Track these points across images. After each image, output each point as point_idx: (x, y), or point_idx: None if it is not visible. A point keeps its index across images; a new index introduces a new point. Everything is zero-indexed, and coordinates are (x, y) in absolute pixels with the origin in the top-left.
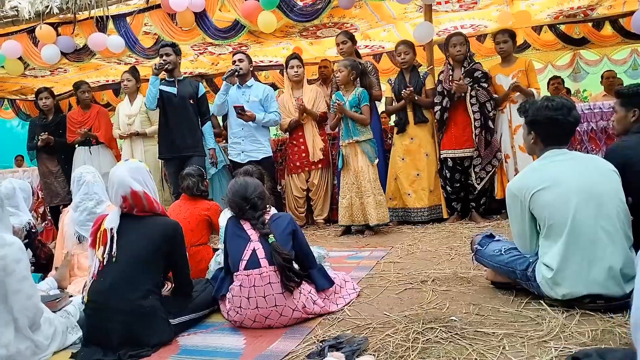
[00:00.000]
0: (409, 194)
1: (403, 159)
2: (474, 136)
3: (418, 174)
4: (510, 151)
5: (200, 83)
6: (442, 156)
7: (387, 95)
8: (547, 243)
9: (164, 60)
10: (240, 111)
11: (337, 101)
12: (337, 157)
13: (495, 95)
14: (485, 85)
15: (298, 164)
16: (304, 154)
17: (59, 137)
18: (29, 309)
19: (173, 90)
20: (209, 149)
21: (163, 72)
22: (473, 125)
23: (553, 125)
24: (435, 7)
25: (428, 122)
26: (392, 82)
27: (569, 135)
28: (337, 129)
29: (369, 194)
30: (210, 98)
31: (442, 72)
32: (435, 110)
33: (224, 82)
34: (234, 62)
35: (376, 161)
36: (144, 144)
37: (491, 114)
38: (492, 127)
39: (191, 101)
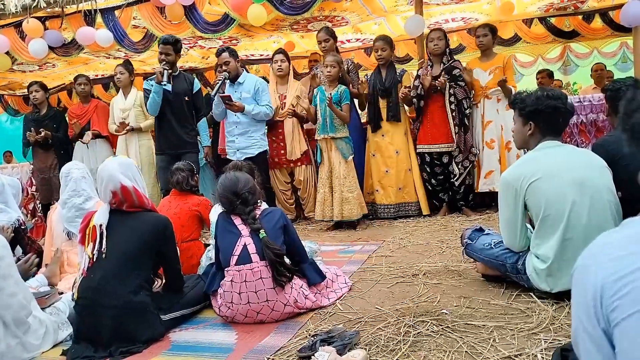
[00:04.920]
0: (377, 190)
1: (374, 155)
2: (454, 134)
3: (387, 171)
4: (480, 146)
5: (195, 78)
6: (417, 151)
7: (364, 91)
8: (541, 234)
9: (163, 68)
10: (227, 101)
11: (327, 96)
12: (316, 152)
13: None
14: (462, 83)
15: (277, 160)
16: (282, 151)
17: (54, 131)
18: (11, 307)
19: (168, 87)
20: (204, 147)
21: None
22: (452, 124)
23: (555, 114)
24: (426, 0)
25: (401, 120)
26: (368, 77)
27: (565, 126)
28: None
29: (336, 190)
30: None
31: (421, 67)
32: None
33: (217, 96)
34: (220, 65)
35: (350, 158)
36: (139, 138)
37: (467, 111)
38: (467, 124)
39: (186, 98)
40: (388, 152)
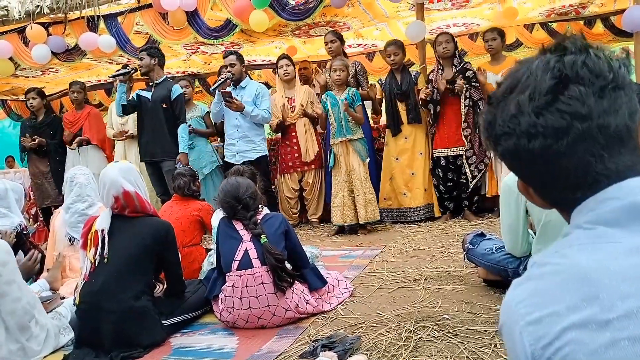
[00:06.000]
0: (404, 194)
1: (397, 159)
2: (463, 137)
3: (413, 173)
4: None
5: (175, 84)
6: (434, 155)
7: (377, 96)
8: (543, 240)
9: (133, 67)
10: (228, 97)
11: (344, 101)
12: (329, 157)
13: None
14: (477, 84)
15: (290, 164)
16: (296, 154)
17: (51, 138)
18: (16, 312)
19: (148, 94)
20: (179, 154)
21: (142, 76)
22: (462, 126)
23: None
24: (427, 6)
25: (422, 121)
26: (382, 82)
27: None
28: (325, 128)
29: (359, 192)
30: (202, 97)
31: (432, 71)
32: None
33: (217, 92)
34: (225, 66)
35: (367, 160)
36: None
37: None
38: None
39: (163, 105)
40: (413, 155)
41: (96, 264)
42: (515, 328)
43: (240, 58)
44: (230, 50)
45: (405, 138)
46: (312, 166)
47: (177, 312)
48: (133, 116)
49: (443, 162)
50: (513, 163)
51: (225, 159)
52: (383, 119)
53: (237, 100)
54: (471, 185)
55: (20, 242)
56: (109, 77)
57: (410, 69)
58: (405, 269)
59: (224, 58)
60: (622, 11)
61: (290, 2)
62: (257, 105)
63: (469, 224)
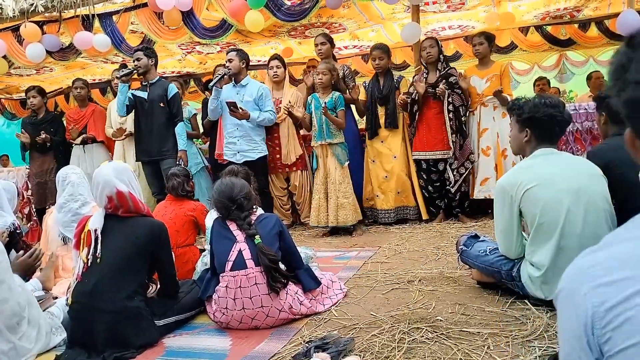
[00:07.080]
0: (377, 195)
1: (374, 161)
2: (450, 142)
3: (386, 176)
4: (476, 153)
5: (171, 83)
6: (413, 158)
7: (361, 98)
8: (536, 242)
9: (133, 66)
10: (233, 108)
11: (322, 105)
12: (311, 159)
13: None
14: (459, 90)
15: (272, 165)
16: (277, 155)
17: (52, 135)
18: (3, 313)
19: (144, 94)
20: (179, 151)
21: (139, 76)
22: (449, 131)
23: (551, 122)
24: (422, 8)
25: (398, 127)
26: (366, 85)
27: (561, 134)
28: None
29: (331, 195)
30: (198, 97)
31: (416, 74)
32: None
33: (214, 88)
34: (222, 64)
35: (346, 164)
36: None
37: (464, 118)
38: (465, 129)
39: (160, 104)
40: (387, 158)
41: (89, 264)
42: (580, 289)
43: (240, 54)
44: (232, 47)
45: (382, 142)
46: (294, 168)
47: (170, 312)
48: (131, 115)
49: (424, 165)
50: (633, 113)
51: (225, 158)
52: None
53: (242, 109)
54: (452, 190)
55: (13, 241)
56: (117, 78)
57: (405, 71)
58: (399, 271)
59: (226, 54)
60: (617, 15)
61: (285, 2)
62: (260, 107)
63: (463, 226)
